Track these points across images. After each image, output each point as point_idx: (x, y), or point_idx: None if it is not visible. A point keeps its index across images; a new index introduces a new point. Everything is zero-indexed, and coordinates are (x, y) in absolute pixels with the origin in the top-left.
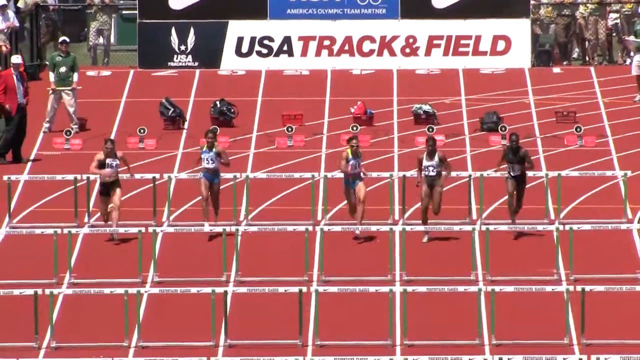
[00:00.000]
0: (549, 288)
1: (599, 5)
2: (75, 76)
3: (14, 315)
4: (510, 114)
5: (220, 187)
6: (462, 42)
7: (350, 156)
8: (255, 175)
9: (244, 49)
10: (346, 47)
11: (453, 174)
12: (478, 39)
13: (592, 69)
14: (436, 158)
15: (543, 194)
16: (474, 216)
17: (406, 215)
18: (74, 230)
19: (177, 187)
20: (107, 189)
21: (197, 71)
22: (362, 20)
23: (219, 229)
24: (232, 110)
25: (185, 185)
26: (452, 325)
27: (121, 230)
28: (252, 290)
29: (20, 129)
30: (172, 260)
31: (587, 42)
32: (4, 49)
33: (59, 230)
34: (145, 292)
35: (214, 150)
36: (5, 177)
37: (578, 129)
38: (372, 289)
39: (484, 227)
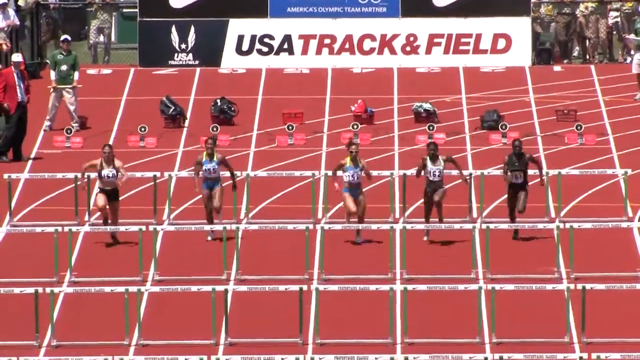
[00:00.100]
0: (549, 286)
1: (600, 4)
2: (76, 74)
3: (14, 313)
4: (511, 112)
5: (223, 185)
6: (463, 40)
7: (348, 164)
8: (255, 174)
9: (245, 47)
10: (347, 46)
11: (453, 172)
12: (478, 37)
13: (592, 67)
14: (441, 161)
15: (543, 192)
16: (475, 214)
17: (407, 213)
18: (74, 229)
19: (178, 186)
20: (106, 192)
21: (198, 69)
22: (363, 19)
23: (219, 227)
24: (233, 109)
25: (186, 184)
26: (452, 323)
27: (122, 228)
28: (252, 288)
29: (20, 127)
30: (172, 258)
31: (587, 41)
32: (4, 47)
33: (59, 229)
34: (146, 290)
35: (214, 160)
36: (5, 176)
37: (578, 127)
38: (372, 287)
39: (484, 226)
